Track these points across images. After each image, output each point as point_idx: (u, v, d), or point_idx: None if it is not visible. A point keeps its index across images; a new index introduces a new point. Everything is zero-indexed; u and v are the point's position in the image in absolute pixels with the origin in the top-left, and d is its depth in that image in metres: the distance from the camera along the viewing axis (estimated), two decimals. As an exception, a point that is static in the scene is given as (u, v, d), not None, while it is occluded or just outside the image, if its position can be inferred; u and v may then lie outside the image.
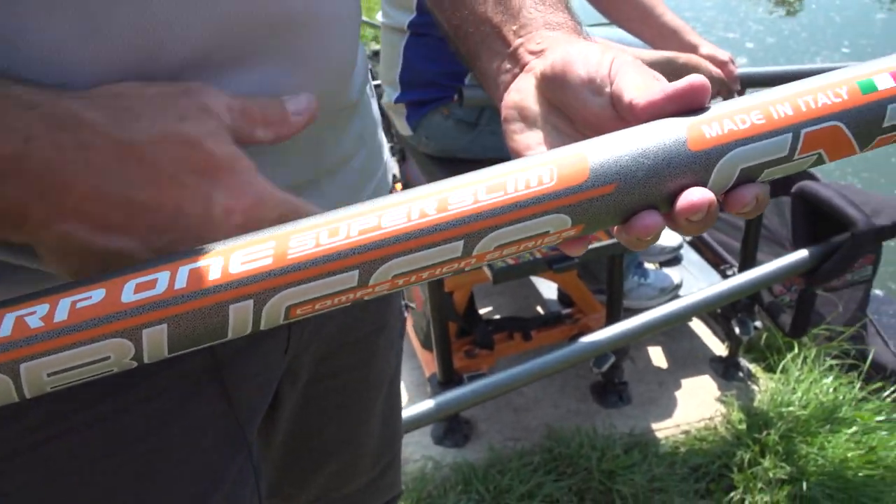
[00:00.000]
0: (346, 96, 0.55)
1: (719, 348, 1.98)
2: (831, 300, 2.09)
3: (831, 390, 1.80)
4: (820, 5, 6.03)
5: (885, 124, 0.38)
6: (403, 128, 1.54)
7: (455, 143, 1.46)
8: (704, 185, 0.37)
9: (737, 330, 1.80)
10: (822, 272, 1.50)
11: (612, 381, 1.79)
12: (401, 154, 1.92)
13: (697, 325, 2.08)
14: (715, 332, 2.05)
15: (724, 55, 1.45)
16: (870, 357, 1.99)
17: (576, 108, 0.43)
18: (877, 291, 2.72)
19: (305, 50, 0.47)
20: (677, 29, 1.47)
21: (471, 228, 0.36)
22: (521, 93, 0.47)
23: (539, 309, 2.06)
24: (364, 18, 3.86)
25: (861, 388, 1.85)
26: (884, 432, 1.72)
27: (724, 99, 1.50)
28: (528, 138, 0.46)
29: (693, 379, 1.90)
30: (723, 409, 1.79)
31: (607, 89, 0.41)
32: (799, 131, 0.37)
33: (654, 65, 1.39)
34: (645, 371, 1.93)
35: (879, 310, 2.64)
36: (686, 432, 1.74)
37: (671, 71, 1.41)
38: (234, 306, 0.34)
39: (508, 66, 0.49)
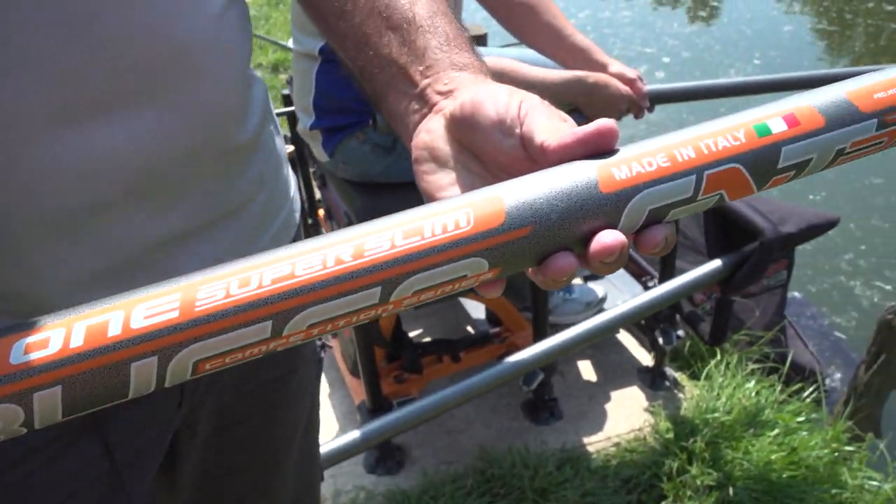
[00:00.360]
0: (237, 137, 0.54)
1: (646, 358, 2.02)
2: (750, 306, 2.16)
3: (754, 394, 1.85)
4: (731, 19, 6.28)
5: (780, 165, 0.40)
6: (321, 154, 1.52)
7: (373, 167, 1.46)
8: (615, 226, 0.38)
9: (660, 340, 1.84)
10: (736, 281, 1.55)
11: (542, 397, 1.81)
12: (321, 179, 1.90)
13: (625, 336, 2.12)
14: (641, 343, 2.09)
15: (631, 73, 1.49)
16: (789, 359, 2.06)
17: (486, 150, 0.44)
18: (795, 294, 2.83)
19: (180, 94, 0.46)
20: (586, 49, 1.50)
21: (388, 274, 0.35)
22: (431, 133, 0.47)
23: (469, 329, 2.06)
24: (282, 43, 3.83)
25: (782, 391, 1.92)
26: (804, 432, 1.78)
27: (636, 116, 1.56)
28: (440, 179, 0.46)
29: (622, 390, 1.93)
30: (651, 419, 1.82)
31: (517, 130, 0.42)
32: (702, 173, 0.38)
33: (566, 84, 1.42)
34: (575, 385, 1.95)
35: (798, 312, 2.75)
36: (616, 444, 1.76)
37: (582, 90, 1.44)
38: (136, 364, 0.32)
39: (416, 106, 0.49)
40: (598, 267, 0.38)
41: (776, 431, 1.74)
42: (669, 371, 1.96)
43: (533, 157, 0.41)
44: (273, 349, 0.35)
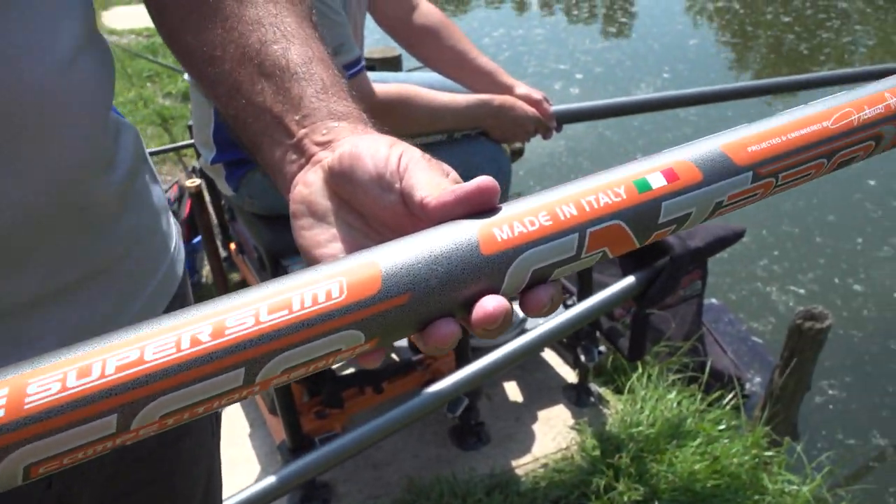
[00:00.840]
0: (98, 191, 0.50)
1: (571, 375, 2.03)
2: (668, 317, 2.20)
3: (675, 405, 1.89)
4: (640, 35, 6.49)
5: (661, 220, 0.40)
6: (225, 188, 1.48)
7: (279, 200, 1.41)
8: (498, 289, 0.37)
9: (582, 358, 1.85)
10: (650, 296, 1.57)
11: (468, 423, 1.79)
12: (230, 213, 1.84)
13: (549, 354, 2.13)
14: (565, 360, 2.10)
15: (537, 94, 1.51)
16: (707, 367, 2.11)
17: (366, 205, 0.42)
18: (713, 300, 2.91)
19: (22, 147, 0.42)
20: (492, 71, 1.51)
21: (252, 354, 0.32)
22: (309, 187, 0.44)
23: (391, 357, 2.03)
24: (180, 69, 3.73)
25: (702, 399, 1.96)
26: (726, 440, 1.81)
27: (544, 137, 1.57)
28: (318, 235, 0.44)
29: (548, 409, 1.93)
30: (577, 437, 1.82)
31: (397, 185, 0.40)
32: (584, 231, 0.38)
33: (473, 107, 1.42)
34: (501, 407, 1.94)
35: (716, 318, 2.83)
36: (545, 465, 1.76)
37: (488, 113, 1.44)
38: None
39: (293, 157, 0.47)
40: (482, 334, 0.36)
41: (699, 441, 1.77)
42: (594, 387, 1.98)
43: (415, 214, 0.40)
44: (121, 444, 0.32)
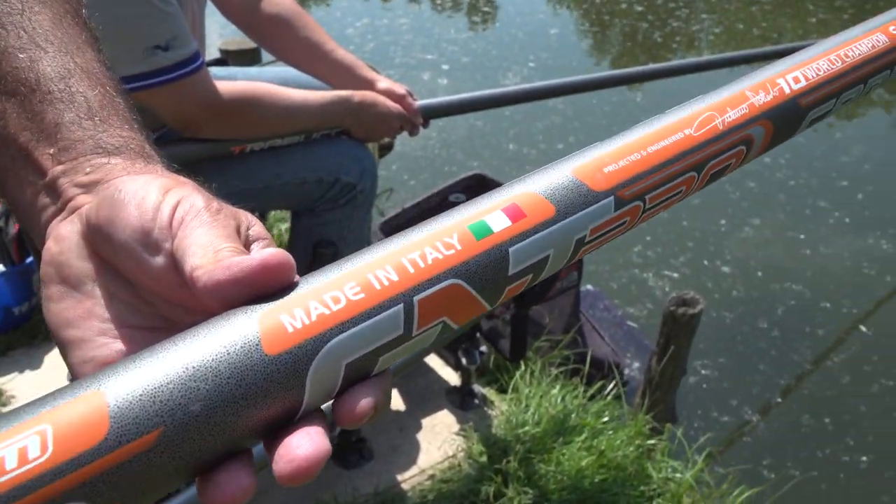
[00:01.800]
0: None
1: (454, 377, 1.98)
2: (546, 310, 2.21)
3: (559, 400, 1.87)
4: (504, 24, 6.56)
5: (511, 271, 0.33)
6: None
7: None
8: (299, 402, 0.28)
9: (464, 360, 1.80)
10: (529, 295, 1.54)
11: (349, 440, 1.70)
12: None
13: (430, 357, 2.07)
14: (447, 361, 2.05)
15: (400, 89, 1.43)
16: (588, 357, 2.12)
17: (130, 269, 0.32)
18: (588, 287, 2.95)
19: None
20: (351, 65, 1.42)
21: None
22: (61, 243, 0.34)
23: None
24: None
25: (585, 392, 1.96)
26: (610, 431, 1.82)
27: (410, 133, 1.49)
28: (69, 310, 0.33)
29: (432, 416, 1.87)
30: (464, 443, 1.77)
31: (167, 245, 0.31)
32: (411, 300, 0.30)
33: (330, 105, 1.32)
34: (383, 418, 1.86)
35: (592, 304, 2.87)
36: (431, 476, 1.70)
37: (348, 110, 1.35)
38: None
39: (46, 201, 0.36)
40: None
41: (584, 436, 1.77)
42: (478, 388, 1.93)
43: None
44: None
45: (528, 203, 0.34)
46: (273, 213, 2.56)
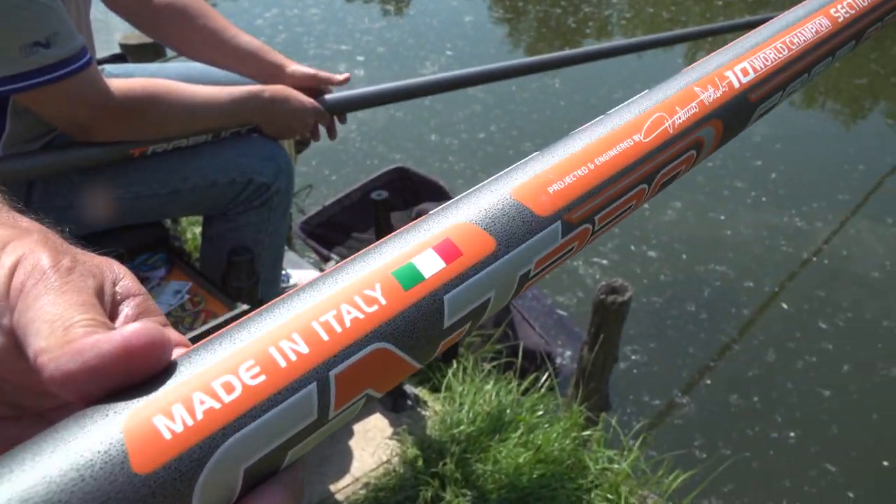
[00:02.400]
0: None
1: (384, 381, 1.93)
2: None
3: (493, 396, 1.85)
4: (419, 12, 6.51)
5: (448, 323, 0.28)
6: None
7: None
8: None
9: (394, 362, 1.76)
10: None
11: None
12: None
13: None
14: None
15: (320, 75, 1.36)
16: (520, 350, 2.11)
17: None
18: (518, 276, 2.94)
19: None
20: (256, 50, 1.35)
21: None
22: None
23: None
24: None
25: (519, 385, 1.94)
26: (546, 425, 1.81)
27: (328, 132, 1.43)
28: None
29: (365, 421, 1.82)
30: (398, 447, 1.73)
31: (5, 321, 0.25)
32: (326, 376, 0.24)
33: (238, 102, 1.25)
34: (312, 428, 1.80)
35: (523, 294, 2.87)
36: (366, 485, 1.65)
37: (258, 107, 1.28)
38: None
39: None
40: None
41: (520, 431, 1.75)
42: (410, 389, 1.90)
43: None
44: None
45: (463, 237, 0.29)
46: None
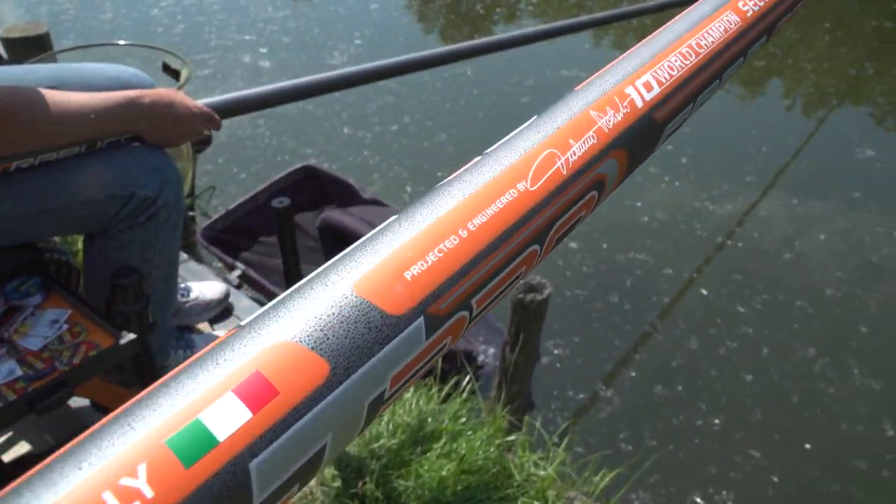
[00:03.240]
0: None
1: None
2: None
3: (413, 406, 1.80)
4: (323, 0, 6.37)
5: (260, 498, 0.21)
6: None
7: None
8: None
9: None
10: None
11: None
12: None
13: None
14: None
15: None
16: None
17: None
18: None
19: None
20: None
21: None
22: None
23: (70, 434, 1.68)
24: None
25: (440, 391, 1.90)
26: (469, 433, 1.77)
27: (198, 151, 1.33)
28: None
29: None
30: (314, 468, 1.66)
31: None
32: None
33: (117, 109, 1.16)
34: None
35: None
36: (281, 511, 1.57)
37: (139, 114, 1.18)
38: None
39: None
40: None
41: (442, 441, 1.71)
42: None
43: None
44: None
45: (282, 366, 0.21)
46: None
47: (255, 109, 1.46)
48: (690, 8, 0.46)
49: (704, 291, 3.05)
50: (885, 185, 3.82)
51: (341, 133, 4.23)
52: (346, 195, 2.33)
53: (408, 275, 0.24)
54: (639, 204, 3.59)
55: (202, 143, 2.53)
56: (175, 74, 1.57)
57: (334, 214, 1.58)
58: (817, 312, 2.95)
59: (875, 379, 2.65)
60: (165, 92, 1.21)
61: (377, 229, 0.26)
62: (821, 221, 3.52)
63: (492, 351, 2.57)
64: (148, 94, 1.18)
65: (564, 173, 0.31)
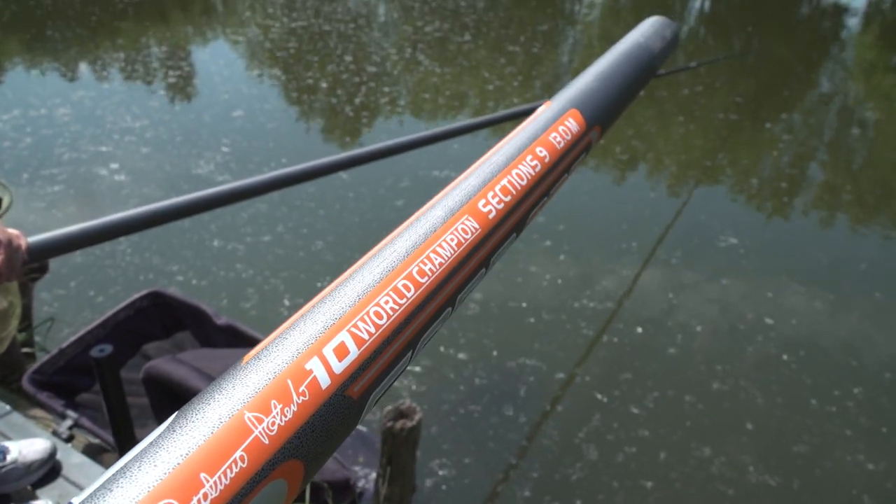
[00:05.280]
0: None
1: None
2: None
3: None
4: (190, 107, 6.18)
5: None
6: None
7: None
8: None
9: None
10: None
11: None
12: None
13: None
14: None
15: None
16: (307, 489, 1.88)
17: None
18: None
19: None
20: None
21: None
22: None
23: None
24: None
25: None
26: None
27: (33, 280, 1.11)
28: None
29: None
30: None
31: None
32: None
33: None
34: None
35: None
36: None
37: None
38: None
39: None
40: None
41: None
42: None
43: None
44: None
45: None
46: None
47: (76, 248, 1.25)
48: (416, 216, 0.39)
49: (599, 395, 2.96)
50: (748, 264, 3.94)
51: (211, 246, 3.97)
52: (198, 321, 2.10)
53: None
54: (524, 304, 3.51)
55: (37, 272, 2.21)
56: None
57: (159, 364, 1.38)
58: (707, 408, 2.91)
59: (770, 475, 2.60)
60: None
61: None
62: (698, 308, 3.56)
63: (373, 475, 2.34)
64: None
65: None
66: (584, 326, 3.39)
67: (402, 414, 1.83)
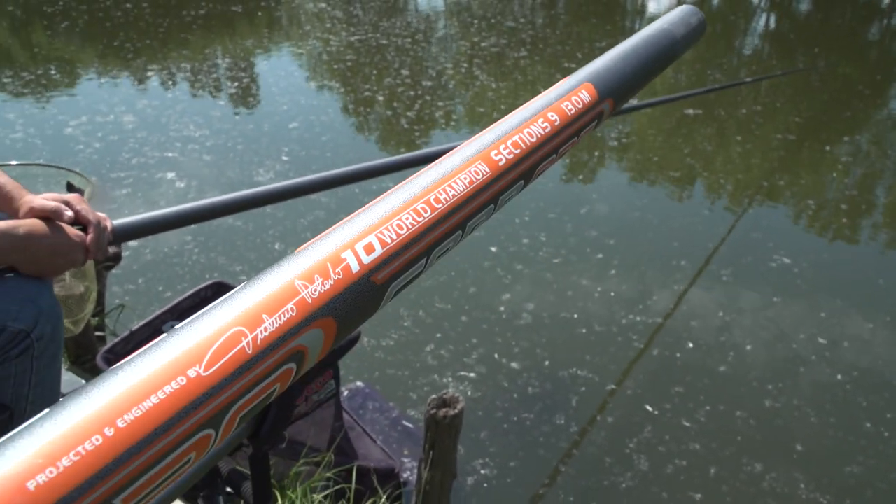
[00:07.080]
0: None
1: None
2: (306, 425, 2.02)
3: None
4: (247, 117, 6.36)
5: None
6: None
7: None
8: None
9: (206, 511, 1.52)
10: (263, 433, 1.30)
11: None
12: None
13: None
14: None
15: (51, 206, 1.12)
16: (354, 472, 1.97)
17: None
18: (358, 383, 2.76)
19: None
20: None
21: None
22: None
23: None
24: None
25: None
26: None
27: (107, 268, 1.20)
28: None
29: None
30: None
31: None
32: None
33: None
34: None
35: (361, 405, 2.69)
36: None
37: (13, 245, 1.05)
38: None
39: None
40: None
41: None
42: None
43: None
44: None
45: None
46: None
47: (151, 233, 1.34)
48: (439, 160, 0.48)
49: (649, 408, 2.96)
50: (802, 284, 3.89)
51: (272, 248, 4.11)
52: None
53: (31, 484, 0.22)
54: (576, 316, 3.53)
55: (111, 261, 2.35)
56: (80, 194, 1.46)
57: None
58: (759, 425, 2.89)
59: (821, 493, 2.57)
60: (41, 223, 1.08)
61: (21, 428, 0.24)
62: (750, 326, 3.53)
63: (416, 465, 2.43)
64: (23, 225, 1.06)
65: (250, 352, 0.32)
66: (634, 339, 3.39)
67: (445, 403, 1.95)
